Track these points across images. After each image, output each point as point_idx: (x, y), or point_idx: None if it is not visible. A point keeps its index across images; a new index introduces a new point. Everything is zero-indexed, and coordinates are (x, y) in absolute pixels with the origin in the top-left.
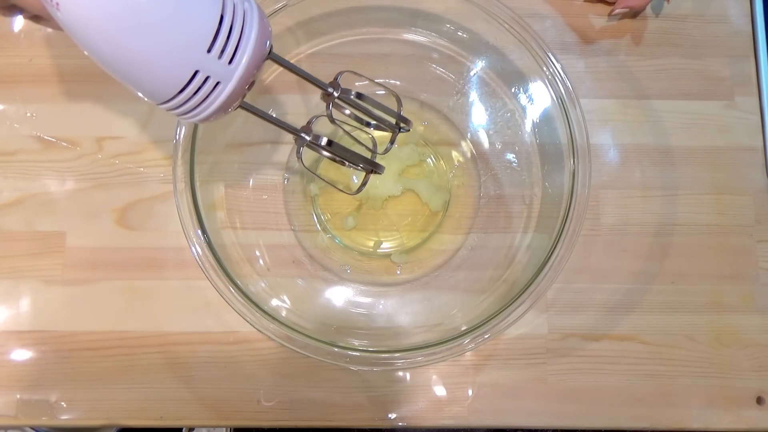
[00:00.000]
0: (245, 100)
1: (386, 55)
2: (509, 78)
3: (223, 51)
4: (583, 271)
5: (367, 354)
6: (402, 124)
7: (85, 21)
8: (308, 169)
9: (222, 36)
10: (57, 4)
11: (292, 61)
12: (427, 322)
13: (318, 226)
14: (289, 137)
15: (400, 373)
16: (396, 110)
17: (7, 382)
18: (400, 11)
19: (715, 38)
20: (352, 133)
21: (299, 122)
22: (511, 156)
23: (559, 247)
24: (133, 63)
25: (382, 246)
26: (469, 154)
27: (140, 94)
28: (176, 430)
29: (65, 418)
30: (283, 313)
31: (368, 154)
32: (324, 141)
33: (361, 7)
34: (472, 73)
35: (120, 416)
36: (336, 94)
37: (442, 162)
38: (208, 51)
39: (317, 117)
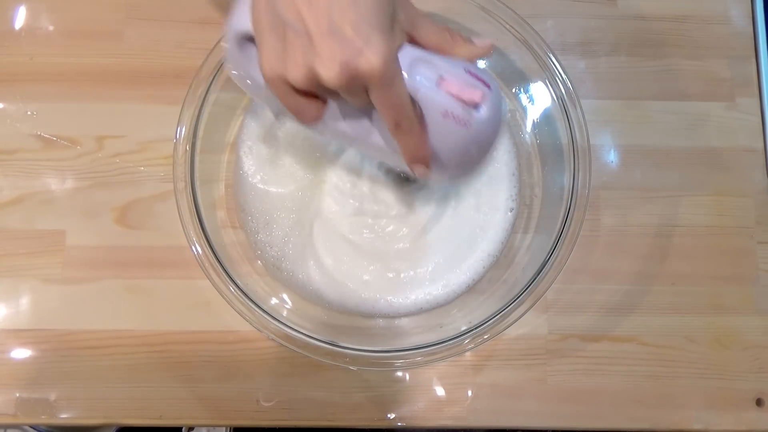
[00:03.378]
0: None
1: None
2: (510, 78)
3: None
4: (583, 272)
5: (367, 354)
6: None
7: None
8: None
9: None
10: (467, 124)
11: None
12: (427, 322)
13: None
14: None
15: (400, 373)
16: None
17: (6, 381)
18: None
19: (715, 39)
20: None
21: None
22: (511, 156)
23: (559, 247)
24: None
25: None
26: None
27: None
28: (175, 429)
29: (64, 417)
30: (284, 313)
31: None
32: None
33: None
34: None
35: (119, 415)
36: None
37: None
38: None
39: None
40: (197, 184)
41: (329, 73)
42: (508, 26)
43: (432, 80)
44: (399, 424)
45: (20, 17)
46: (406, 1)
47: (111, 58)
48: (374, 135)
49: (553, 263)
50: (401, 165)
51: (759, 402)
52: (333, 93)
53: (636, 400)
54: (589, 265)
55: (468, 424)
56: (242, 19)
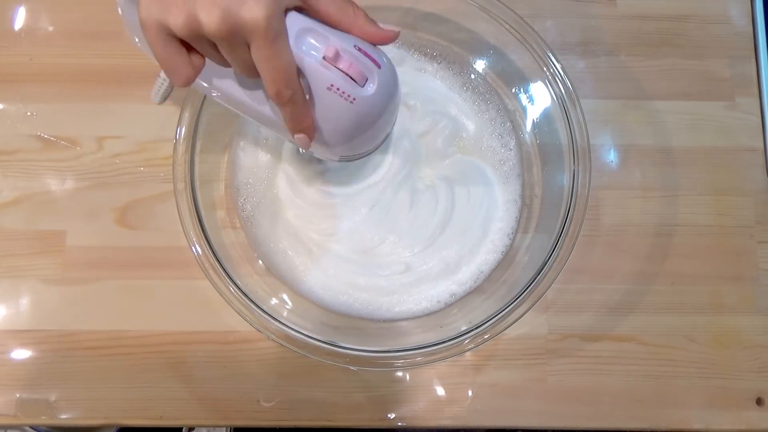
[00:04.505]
0: None
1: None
2: (510, 78)
3: None
4: (583, 272)
5: (367, 354)
6: None
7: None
8: None
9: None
10: (353, 99)
11: None
12: (427, 323)
13: None
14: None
15: (400, 373)
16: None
17: (6, 381)
18: (401, 11)
19: (715, 39)
20: None
21: None
22: (511, 156)
23: (559, 247)
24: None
25: None
26: None
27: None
28: (176, 429)
29: (65, 417)
30: (284, 313)
31: None
32: None
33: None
34: (472, 74)
35: (119, 415)
36: None
37: None
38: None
39: None
40: (197, 184)
41: (210, 18)
42: (508, 26)
43: (319, 51)
44: (399, 424)
45: (20, 17)
46: None
47: (111, 58)
48: (258, 101)
49: (553, 263)
50: (287, 135)
51: (759, 401)
52: (213, 48)
53: (636, 400)
54: (589, 265)
55: (468, 424)
56: None
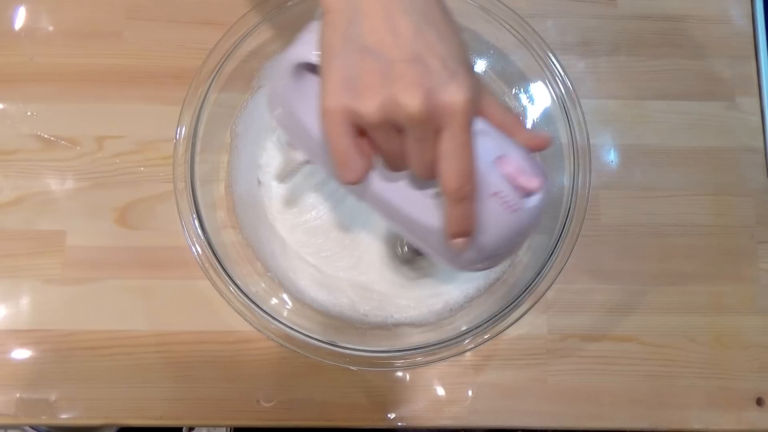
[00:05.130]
0: None
1: None
2: (510, 78)
3: None
4: (583, 272)
5: (367, 354)
6: None
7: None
8: None
9: None
10: (516, 209)
11: None
12: (427, 322)
13: None
14: None
15: (400, 373)
16: None
17: (6, 381)
18: None
19: (715, 39)
20: None
21: None
22: None
23: (559, 247)
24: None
25: None
26: None
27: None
28: (176, 429)
29: (65, 417)
30: (284, 313)
31: None
32: None
33: None
34: None
35: (119, 415)
36: None
37: None
38: None
39: None
40: (197, 184)
41: (413, 100)
42: (508, 26)
43: (491, 155)
44: (399, 424)
45: (20, 17)
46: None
47: (111, 58)
48: (412, 206)
49: (553, 263)
50: (428, 241)
51: (759, 401)
52: (394, 138)
53: (636, 400)
54: (589, 265)
55: (468, 424)
56: (306, 47)
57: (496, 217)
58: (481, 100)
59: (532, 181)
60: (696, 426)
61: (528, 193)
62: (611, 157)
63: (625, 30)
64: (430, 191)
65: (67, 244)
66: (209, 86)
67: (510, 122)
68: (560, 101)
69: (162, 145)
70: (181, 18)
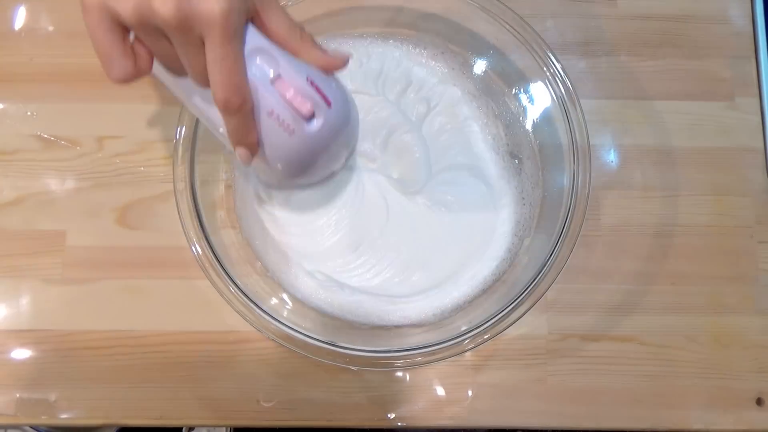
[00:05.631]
0: None
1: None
2: (510, 78)
3: None
4: (583, 272)
5: (367, 354)
6: None
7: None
8: None
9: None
10: (293, 131)
11: None
12: (427, 322)
13: None
14: None
15: (400, 373)
16: None
17: (6, 381)
18: (401, 11)
19: (715, 39)
20: None
21: None
22: (511, 156)
23: (559, 247)
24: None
25: None
26: None
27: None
28: (176, 429)
29: (65, 417)
30: (284, 313)
31: None
32: None
33: (361, 6)
34: (472, 74)
35: (119, 415)
36: None
37: None
38: None
39: None
40: (197, 184)
41: (163, 5)
42: (508, 26)
43: (267, 74)
44: (399, 424)
45: (20, 17)
46: None
47: None
48: (212, 113)
49: (553, 263)
50: (229, 145)
51: (759, 401)
52: (164, 42)
53: (636, 400)
54: (589, 265)
55: (468, 424)
56: None
57: (275, 135)
58: (262, 10)
59: (304, 105)
60: (696, 426)
61: (306, 117)
62: (611, 157)
63: (625, 30)
64: None
65: (67, 244)
66: None
67: (293, 38)
68: (560, 101)
69: (162, 145)
70: None
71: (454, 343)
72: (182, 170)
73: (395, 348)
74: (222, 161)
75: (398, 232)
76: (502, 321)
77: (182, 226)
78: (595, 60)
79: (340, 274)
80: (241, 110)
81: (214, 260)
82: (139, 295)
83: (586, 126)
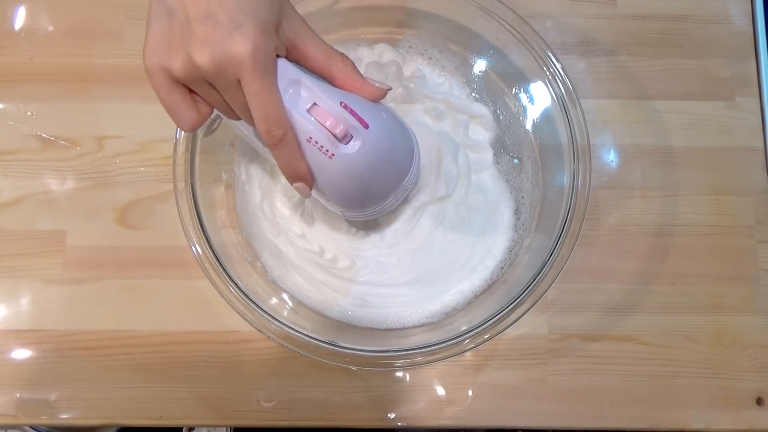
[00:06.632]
0: None
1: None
2: (510, 78)
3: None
4: (583, 272)
5: (367, 354)
6: None
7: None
8: None
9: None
10: (332, 155)
11: None
12: (427, 322)
13: None
14: None
15: (400, 373)
16: None
17: (6, 381)
18: (401, 11)
19: (715, 39)
20: None
21: None
22: (511, 156)
23: (559, 247)
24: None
25: None
26: None
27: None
28: (176, 429)
29: (65, 417)
30: (284, 313)
31: None
32: None
33: (361, 6)
34: (472, 74)
35: (119, 415)
36: None
37: None
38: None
39: None
40: (197, 184)
41: (202, 57)
42: (508, 26)
43: (303, 103)
44: (399, 424)
45: (20, 17)
46: (296, 14)
47: (111, 58)
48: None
49: (553, 263)
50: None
51: (759, 401)
52: (213, 90)
53: (636, 400)
54: (589, 265)
55: (468, 424)
56: None
57: (318, 161)
58: (299, 42)
59: (336, 127)
60: (696, 426)
61: (343, 139)
62: (611, 157)
63: (625, 30)
64: None
65: (67, 244)
66: None
67: (332, 66)
68: (560, 101)
69: (162, 145)
70: None
71: (454, 343)
72: (182, 170)
73: (395, 348)
74: (222, 161)
75: (398, 232)
76: (502, 321)
77: (182, 226)
78: (595, 60)
79: (340, 275)
80: (284, 140)
81: (214, 260)
82: (139, 295)
83: (586, 126)
